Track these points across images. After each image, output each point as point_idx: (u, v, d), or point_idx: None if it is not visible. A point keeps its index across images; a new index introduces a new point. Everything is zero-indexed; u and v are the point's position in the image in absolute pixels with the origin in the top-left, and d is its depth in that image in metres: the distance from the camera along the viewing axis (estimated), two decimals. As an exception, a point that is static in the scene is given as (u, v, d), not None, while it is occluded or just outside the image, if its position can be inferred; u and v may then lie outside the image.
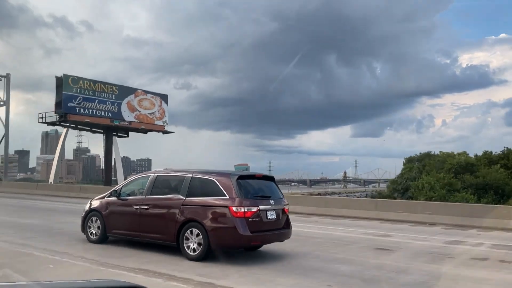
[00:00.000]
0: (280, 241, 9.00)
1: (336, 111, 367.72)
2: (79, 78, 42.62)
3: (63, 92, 40.97)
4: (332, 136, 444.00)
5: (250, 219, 7.97)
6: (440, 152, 62.74)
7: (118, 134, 51.21)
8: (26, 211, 17.24)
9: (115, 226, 9.24)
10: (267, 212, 8.36)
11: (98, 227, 9.45)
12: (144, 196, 8.91)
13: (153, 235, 8.63)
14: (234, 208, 7.89)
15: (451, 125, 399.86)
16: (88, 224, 9.62)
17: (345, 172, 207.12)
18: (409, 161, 65.33)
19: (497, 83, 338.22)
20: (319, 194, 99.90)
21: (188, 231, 8.13)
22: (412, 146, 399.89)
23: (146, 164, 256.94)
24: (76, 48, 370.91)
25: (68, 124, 46.22)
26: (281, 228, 8.74)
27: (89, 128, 48.35)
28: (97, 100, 44.05)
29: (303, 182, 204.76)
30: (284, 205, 8.88)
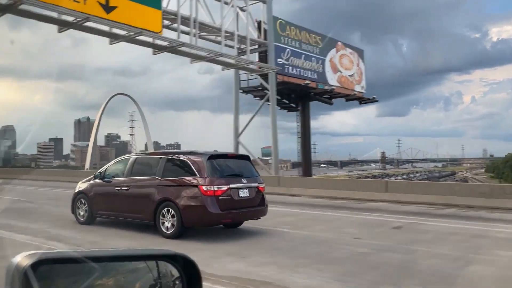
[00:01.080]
0: (256, 219, 9.24)
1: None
2: (286, 23, 30.31)
3: (273, 43, 27.24)
4: (357, 116, 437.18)
5: (220, 198, 8.21)
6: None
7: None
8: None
9: (100, 207, 9.68)
10: (239, 190, 8.56)
11: (85, 210, 9.92)
12: (124, 178, 9.29)
13: (133, 215, 9.03)
14: (204, 187, 8.14)
15: (480, 101, 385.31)
16: (77, 205, 10.11)
17: (383, 153, 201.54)
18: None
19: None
20: (371, 176, 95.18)
21: (164, 210, 8.46)
22: (439, 124, 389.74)
23: (175, 148, 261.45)
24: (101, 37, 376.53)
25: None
26: (255, 206, 8.95)
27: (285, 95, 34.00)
28: (303, 56, 31.71)
29: (332, 164, 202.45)
30: (259, 183, 9.07)
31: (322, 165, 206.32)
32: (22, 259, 1.02)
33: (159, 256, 1.32)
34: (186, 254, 1.29)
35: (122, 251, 1.29)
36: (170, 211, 8.37)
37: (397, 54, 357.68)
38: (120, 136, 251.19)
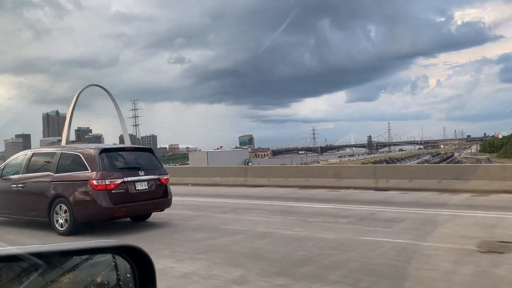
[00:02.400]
0: (159, 211, 9.14)
1: (331, 77, 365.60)
2: None
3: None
4: (327, 103, 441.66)
5: (113, 191, 8.01)
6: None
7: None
8: None
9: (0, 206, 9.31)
10: (136, 183, 8.37)
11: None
12: (21, 175, 8.97)
13: (30, 213, 8.72)
14: (94, 182, 7.92)
15: (445, 84, 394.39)
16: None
17: (370, 137, 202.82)
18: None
19: (492, 39, 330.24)
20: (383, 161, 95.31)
21: (58, 207, 8.20)
22: (406, 108, 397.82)
23: (152, 141, 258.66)
24: (65, 28, 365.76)
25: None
26: (156, 198, 8.79)
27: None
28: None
29: (310, 150, 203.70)
30: (161, 175, 8.89)
31: (300, 152, 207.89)
32: None
33: (107, 249, 1.27)
34: (137, 245, 1.25)
35: (68, 245, 1.22)
36: (63, 207, 8.12)
37: (365, 40, 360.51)
38: (91, 129, 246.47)
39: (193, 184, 18.15)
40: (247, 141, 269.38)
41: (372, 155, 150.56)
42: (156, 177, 8.78)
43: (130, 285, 1.26)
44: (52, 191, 8.27)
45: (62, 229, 8.13)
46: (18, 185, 8.83)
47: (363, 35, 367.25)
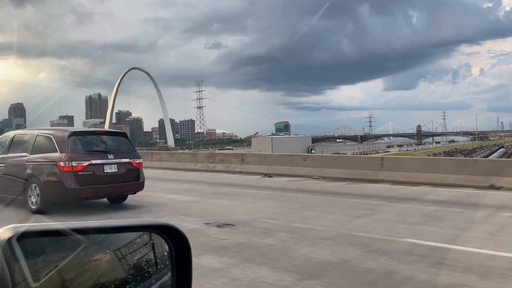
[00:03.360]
0: (132, 193, 9.44)
1: (368, 64, 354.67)
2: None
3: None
4: (363, 91, 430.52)
5: (80, 173, 8.30)
6: None
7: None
8: None
9: None
10: (104, 166, 8.61)
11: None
12: (2, 155, 9.41)
13: (9, 192, 9.12)
14: (61, 163, 8.23)
15: (488, 73, 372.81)
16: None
17: (419, 126, 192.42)
18: None
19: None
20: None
21: (31, 186, 8.59)
22: (446, 98, 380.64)
23: (190, 125, 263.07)
24: (106, 12, 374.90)
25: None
26: (126, 181, 9.03)
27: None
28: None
29: (348, 138, 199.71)
30: (132, 159, 9.14)
31: (338, 140, 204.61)
32: (6, 231, 1.00)
33: (146, 227, 1.32)
34: (174, 224, 1.27)
35: (108, 222, 1.25)
36: (35, 187, 8.50)
37: (406, 25, 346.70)
38: (131, 113, 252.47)
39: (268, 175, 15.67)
40: (282, 127, 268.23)
41: (432, 145, 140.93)
42: (127, 160, 9.02)
43: (167, 262, 1.29)
44: (27, 171, 8.66)
45: (34, 207, 8.51)
46: (0, 165, 9.29)
47: (404, 21, 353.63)
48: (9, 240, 0.97)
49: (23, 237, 1.00)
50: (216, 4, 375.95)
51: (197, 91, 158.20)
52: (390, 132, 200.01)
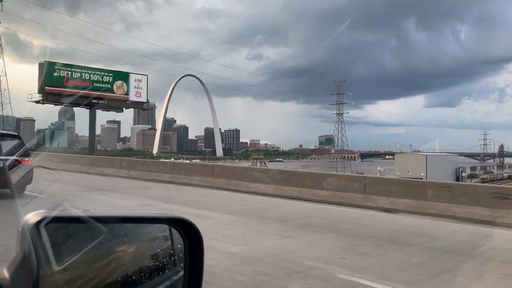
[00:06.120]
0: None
1: (410, 79, 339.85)
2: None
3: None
4: (403, 107, 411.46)
5: None
6: None
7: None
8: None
9: None
10: None
11: None
12: None
13: None
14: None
15: None
16: None
17: (501, 146, 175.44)
18: None
19: None
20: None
21: None
22: (490, 117, 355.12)
23: (235, 135, 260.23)
24: (153, 22, 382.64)
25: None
26: None
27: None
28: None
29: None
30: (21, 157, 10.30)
31: (387, 157, 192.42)
32: (34, 216, 1.07)
33: (162, 220, 1.39)
34: (188, 219, 1.34)
35: (128, 213, 1.42)
36: None
37: (454, 41, 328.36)
38: (176, 120, 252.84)
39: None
40: (323, 141, 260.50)
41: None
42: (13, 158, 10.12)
43: (181, 255, 1.35)
44: None
45: None
46: None
47: (451, 36, 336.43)
48: (36, 224, 1.05)
49: (49, 222, 1.07)
50: (260, 15, 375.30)
51: (336, 94, 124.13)
52: (437, 150, 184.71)
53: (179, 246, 1.33)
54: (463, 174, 47.94)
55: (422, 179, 41.11)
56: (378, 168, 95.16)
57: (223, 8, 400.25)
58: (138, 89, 75.89)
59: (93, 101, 69.09)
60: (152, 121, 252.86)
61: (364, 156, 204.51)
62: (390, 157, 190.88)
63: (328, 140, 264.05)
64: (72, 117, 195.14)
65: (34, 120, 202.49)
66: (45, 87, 65.82)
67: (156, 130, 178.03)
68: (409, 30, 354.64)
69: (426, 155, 59.40)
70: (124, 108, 79.72)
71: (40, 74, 66.60)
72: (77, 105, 75.05)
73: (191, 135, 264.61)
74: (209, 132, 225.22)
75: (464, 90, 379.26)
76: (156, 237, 1.33)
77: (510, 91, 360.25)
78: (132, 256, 1.24)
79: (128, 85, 74.54)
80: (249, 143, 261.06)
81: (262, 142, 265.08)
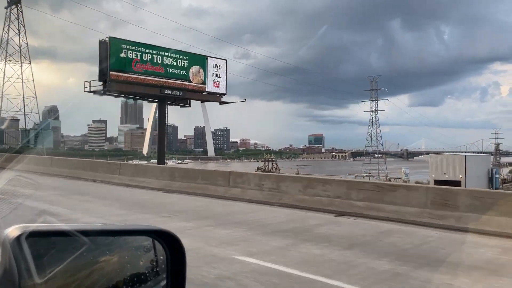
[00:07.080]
0: None
1: (395, 79, 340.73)
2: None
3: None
4: (387, 105, 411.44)
5: None
6: None
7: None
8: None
9: None
10: None
11: None
12: None
13: None
14: None
15: None
16: None
17: (497, 145, 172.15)
18: None
19: None
20: None
21: None
22: (471, 116, 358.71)
23: (225, 134, 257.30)
24: (139, 20, 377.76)
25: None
26: None
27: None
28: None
29: (392, 154, 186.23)
30: None
31: (376, 156, 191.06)
32: (16, 229, 1.08)
33: (144, 232, 1.36)
34: (171, 231, 1.33)
35: (110, 226, 1.38)
36: None
37: (438, 42, 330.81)
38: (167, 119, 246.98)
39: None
40: (312, 140, 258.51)
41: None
42: None
43: (163, 266, 1.34)
44: None
45: None
46: None
47: (436, 37, 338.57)
48: (18, 237, 1.05)
49: (31, 236, 1.08)
50: (249, 15, 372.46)
51: (370, 89, 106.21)
52: (423, 149, 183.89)
53: (161, 257, 1.33)
54: (496, 175, 45.12)
55: (460, 181, 37.69)
56: (403, 169, 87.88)
57: (209, 7, 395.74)
58: (216, 78, 57.87)
59: (166, 91, 52.87)
60: (140, 120, 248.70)
61: (355, 155, 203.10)
62: (380, 156, 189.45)
63: (317, 139, 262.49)
64: (57, 117, 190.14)
65: (19, 120, 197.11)
66: (110, 72, 48.24)
67: (145, 129, 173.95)
68: (394, 31, 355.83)
69: (465, 155, 54.18)
70: (190, 101, 59.80)
71: (102, 56, 48.92)
72: (144, 97, 57.56)
73: (180, 135, 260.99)
74: (199, 132, 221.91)
75: (448, 89, 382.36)
76: (139, 247, 1.33)
77: (491, 90, 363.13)
78: (115, 266, 1.25)
79: (205, 72, 56.59)
80: (239, 142, 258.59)
81: (252, 141, 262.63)
